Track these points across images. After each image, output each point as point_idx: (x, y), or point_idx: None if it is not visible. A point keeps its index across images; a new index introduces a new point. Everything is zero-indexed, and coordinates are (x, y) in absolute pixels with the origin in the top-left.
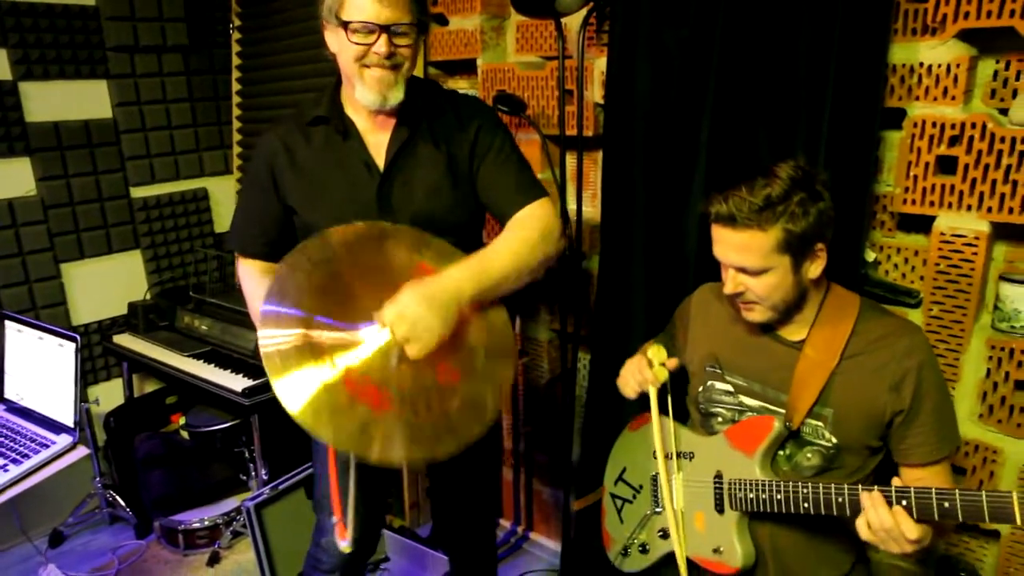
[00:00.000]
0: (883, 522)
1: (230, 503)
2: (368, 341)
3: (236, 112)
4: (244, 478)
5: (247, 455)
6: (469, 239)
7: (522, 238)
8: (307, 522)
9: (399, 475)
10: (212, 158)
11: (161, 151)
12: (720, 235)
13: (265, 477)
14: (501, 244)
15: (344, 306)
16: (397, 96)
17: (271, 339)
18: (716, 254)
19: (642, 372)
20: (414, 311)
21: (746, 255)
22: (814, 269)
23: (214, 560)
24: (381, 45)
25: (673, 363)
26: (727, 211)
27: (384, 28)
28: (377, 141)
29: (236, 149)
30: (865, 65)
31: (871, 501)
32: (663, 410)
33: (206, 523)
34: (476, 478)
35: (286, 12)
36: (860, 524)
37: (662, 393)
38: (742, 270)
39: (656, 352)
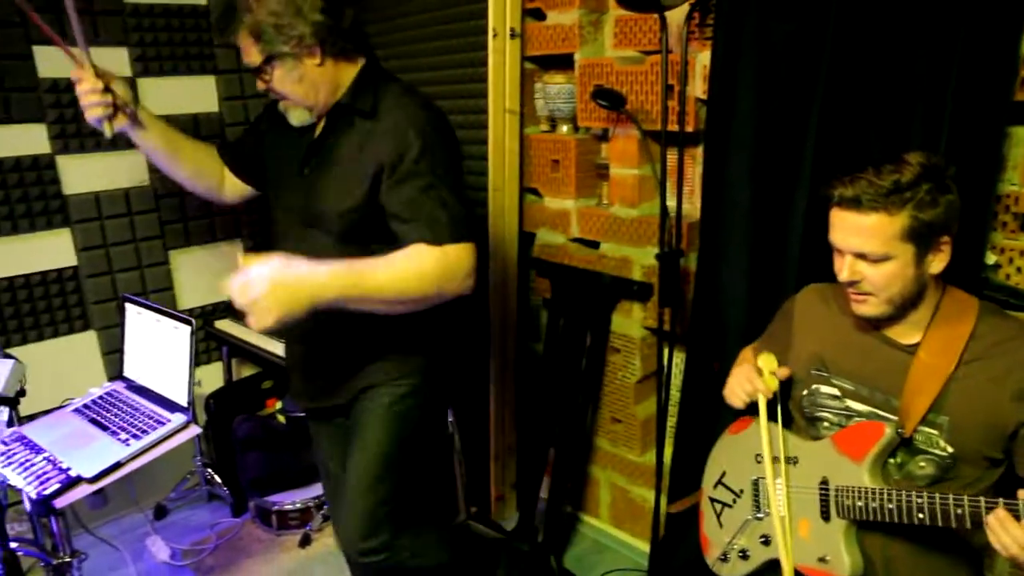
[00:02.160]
0: (1018, 540)
1: (321, 487)
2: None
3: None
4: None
5: None
6: (384, 242)
7: (416, 269)
8: None
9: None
10: None
11: None
12: (841, 219)
13: None
14: (393, 265)
15: None
16: (298, 117)
17: None
18: (833, 240)
19: (752, 382)
20: (260, 289)
21: (868, 240)
22: (937, 264)
23: (305, 542)
24: (259, 83)
25: (784, 372)
26: (852, 193)
27: (251, 71)
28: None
29: None
30: (993, 56)
31: (998, 520)
32: (772, 418)
33: (298, 505)
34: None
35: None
36: (995, 543)
37: (771, 402)
38: (861, 256)
39: (766, 361)
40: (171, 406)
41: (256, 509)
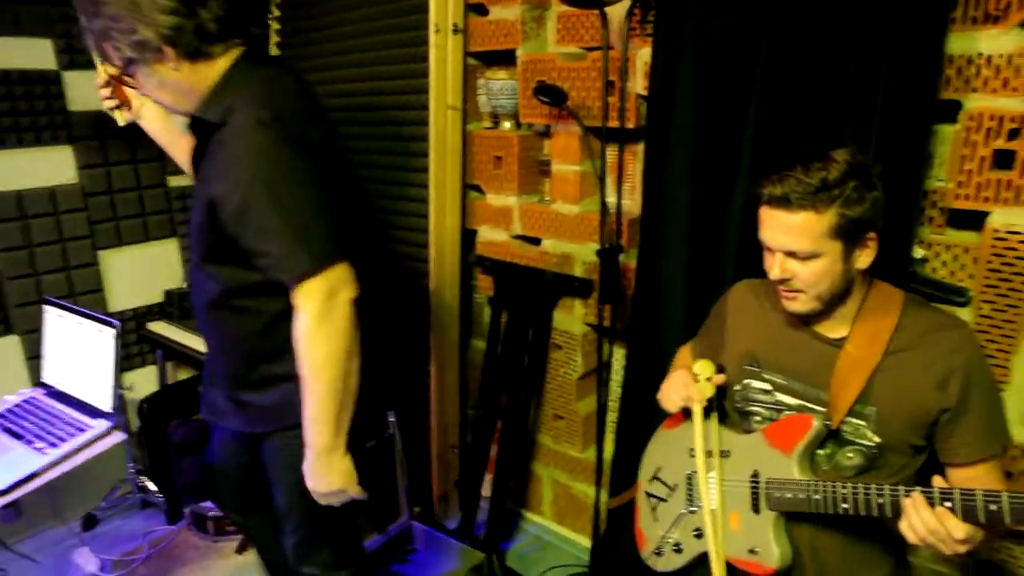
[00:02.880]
0: (927, 523)
1: None
2: None
3: None
4: None
5: None
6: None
7: (312, 367)
8: None
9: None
10: None
11: None
12: (770, 217)
13: None
14: (307, 388)
15: None
16: (122, 118)
17: None
18: (764, 238)
19: (687, 388)
20: (316, 488)
21: (798, 238)
22: (864, 259)
23: (243, 547)
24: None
25: (720, 379)
26: (781, 192)
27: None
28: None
29: None
30: (921, 56)
31: (912, 503)
32: (707, 416)
33: None
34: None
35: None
36: (904, 527)
37: (708, 407)
38: (791, 255)
39: (703, 367)
40: (93, 412)
41: (192, 516)
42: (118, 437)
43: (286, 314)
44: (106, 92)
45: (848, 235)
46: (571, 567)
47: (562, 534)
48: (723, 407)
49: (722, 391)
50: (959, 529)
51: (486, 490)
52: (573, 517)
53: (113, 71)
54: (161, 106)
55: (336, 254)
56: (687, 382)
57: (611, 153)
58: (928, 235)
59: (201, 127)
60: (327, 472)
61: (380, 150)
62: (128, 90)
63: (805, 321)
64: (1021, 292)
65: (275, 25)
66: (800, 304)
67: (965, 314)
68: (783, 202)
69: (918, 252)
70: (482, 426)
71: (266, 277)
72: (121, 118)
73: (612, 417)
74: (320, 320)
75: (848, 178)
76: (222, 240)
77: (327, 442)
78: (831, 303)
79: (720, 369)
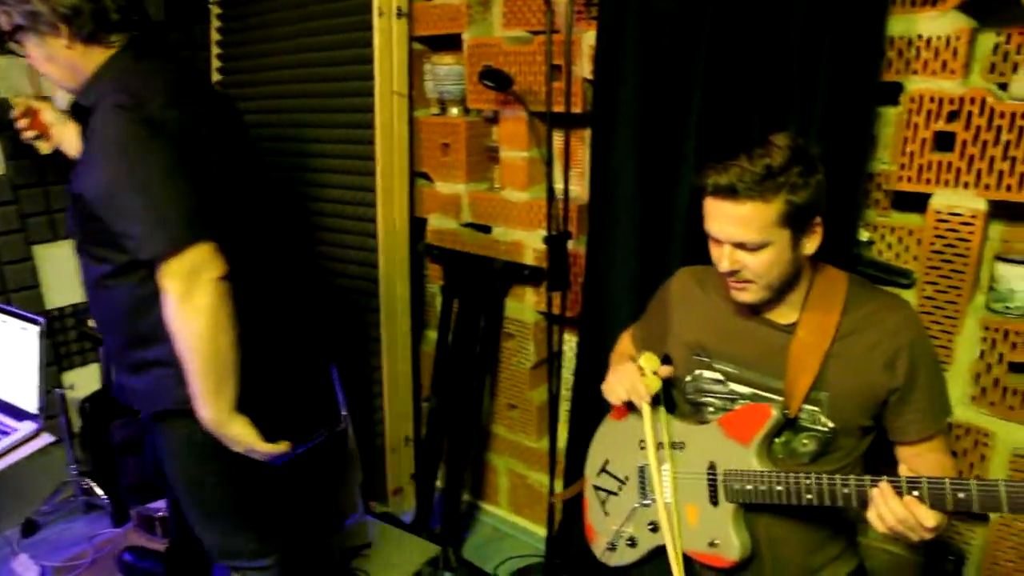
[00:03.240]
0: (895, 513)
1: None
2: None
3: (216, 77)
4: None
5: None
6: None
7: (183, 345)
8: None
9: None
10: None
11: None
12: (717, 209)
13: None
14: (184, 365)
15: None
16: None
17: None
18: (711, 230)
19: (632, 382)
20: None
21: (747, 229)
22: (811, 244)
23: None
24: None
25: (667, 371)
26: (727, 182)
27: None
28: None
29: None
30: (862, 37)
31: (881, 494)
32: (655, 406)
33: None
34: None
35: None
36: (872, 517)
37: (654, 402)
38: (740, 246)
39: (648, 360)
40: (19, 414)
41: (139, 517)
42: (46, 439)
43: (156, 297)
44: (24, 123)
45: (796, 222)
46: (528, 557)
47: (519, 524)
48: (671, 396)
49: (668, 381)
50: (929, 518)
51: (442, 482)
52: (530, 507)
53: (29, 104)
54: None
55: (197, 235)
56: (632, 376)
57: (560, 138)
58: (874, 218)
59: (80, 112)
60: (229, 441)
61: (324, 138)
62: (45, 119)
63: (754, 309)
64: (963, 273)
65: (216, 10)
66: (750, 294)
67: (909, 296)
68: (729, 192)
69: (864, 235)
70: (435, 418)
71: (134, 258)
72: (44, 148)
73: (568, 407)
74: (183, 299)
75: (792, 163)
76: (93, 222)
77: (214, 415)
78: (781, 291)
79: (666, 360)
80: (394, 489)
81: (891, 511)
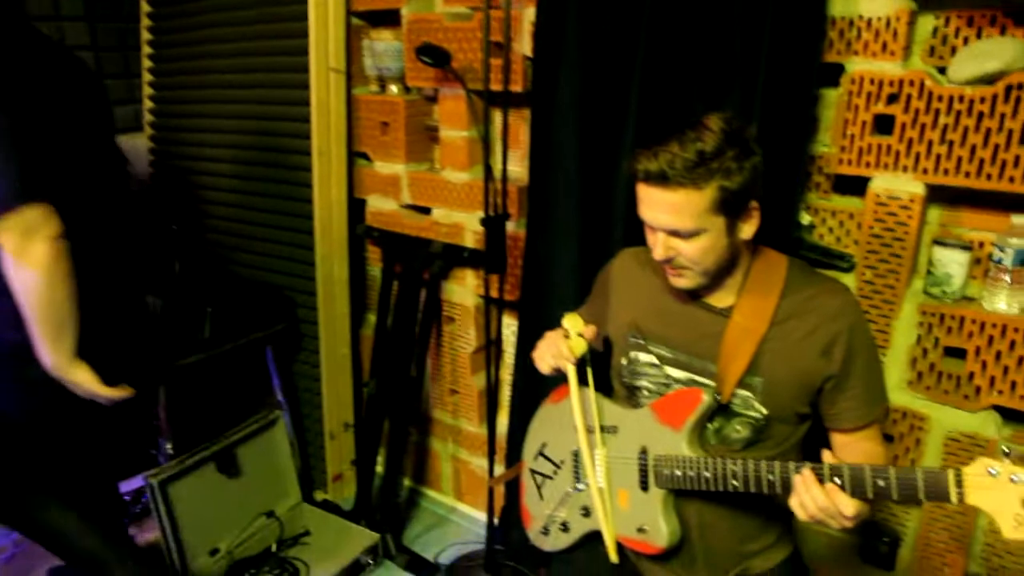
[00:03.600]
0: (816, 500)
1: (140, 480)
2: None
3: (147, 64)
4: (155, 452)
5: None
6: None
7: (20, 297)
8: (217, 498)
9: None
10: (121, 114)
11: None
12: (649, 196)
13: (171, 451)
14: (24, 316)
15: None
16: None
17: None
18: (644, 217)
19: (557, 345)
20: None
21: (680, 216)
22: (748, 229)
23: None
24: None
25: (591, 332)
26: (658, 168)
27: None
28: None
29: (148, 104)
30: (804, 17)
31: (803, 481)
32: (583, 382)
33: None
34: None
35: None
36: (794, 505)
37: (581, 365)
38: (674, 233)
39: (572, 322)
40: None
41: None
42: None
43: None
44: None
45: (730, 208)
46: (471, 543)
47: (463, 511)
48: (587, 372)
49: (605, 358)
50: (849, 506)
51: (383, 469)
52: (473, 493)
53: None
54: None
55: (31, 195)
56: (557, 339)
57: (501, 118)
58: (815, 201)
59: None
60: (72, 386)
61: (257, 115)
62: None
63: (691, 293)
64: (901, 258)
65: None
66: (687, 281)
67: (849, 280)
68: (660, 179)
69: (805, 218)
70: (374, 403)
71: None
72: None
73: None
74: (18, 255)
75: (726, 147)
76: None
77: (54, 362)
78: (718, 276)
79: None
80: (334, 476)
81: (812, 499)
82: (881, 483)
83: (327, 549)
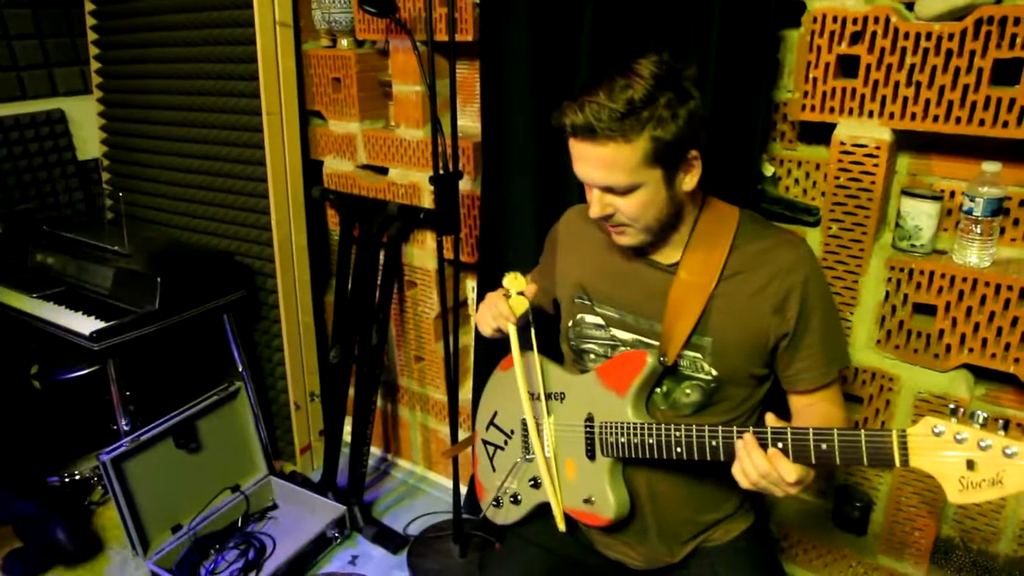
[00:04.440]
0: (758, 467)
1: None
2: None
3: (90, 21)
4: (115, 428)
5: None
6: None
7: None
8: (177, 474)
9: None
10: (66, 75)
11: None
12: (580, 151)
13: (127, 427)
14: None
15: None
16: None
17: None
18: (577, 173)
19: (497, 305)
20: None
21: (612, 172)
22: (689, 181)
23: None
24: None
25: (532, 290)
26: (584, 121)
27: None
28: None
29: (94, 64)
30: None
31: (744, 446)
32: (528, 345)
33: (77, 477)
34: None
35: None
36: (736, 472)
37: (525, 328)
38: (608, 190)
39: (512, 280)
40: None
41: None
42: None
43: None
44: None
45: (667, 159)
46: (440, 513)
47: (433, 480)
48: (530, 334)
49: (550, 322)
50: (791, 472)
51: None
52: (444, 462)
53: None
54: None
55: None
56: (497, 300)
57: (460, 72)
58: (779, 151)
59: None
60: None
61: (204, 74)
62: None
63: (637, 250)
64: (868, 210)
65: None
66: (629, 238)
67: (815, 234)
68: (588, 133)
69: (768, 169)
70: (338, 371)
71: None
72: None
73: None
74: None
75: (657, 93)
76: None
77: None
78: (662, 231)
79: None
80: (302, 447)
81: (754, 465)
82: (824, 447)
83: (294, 522)
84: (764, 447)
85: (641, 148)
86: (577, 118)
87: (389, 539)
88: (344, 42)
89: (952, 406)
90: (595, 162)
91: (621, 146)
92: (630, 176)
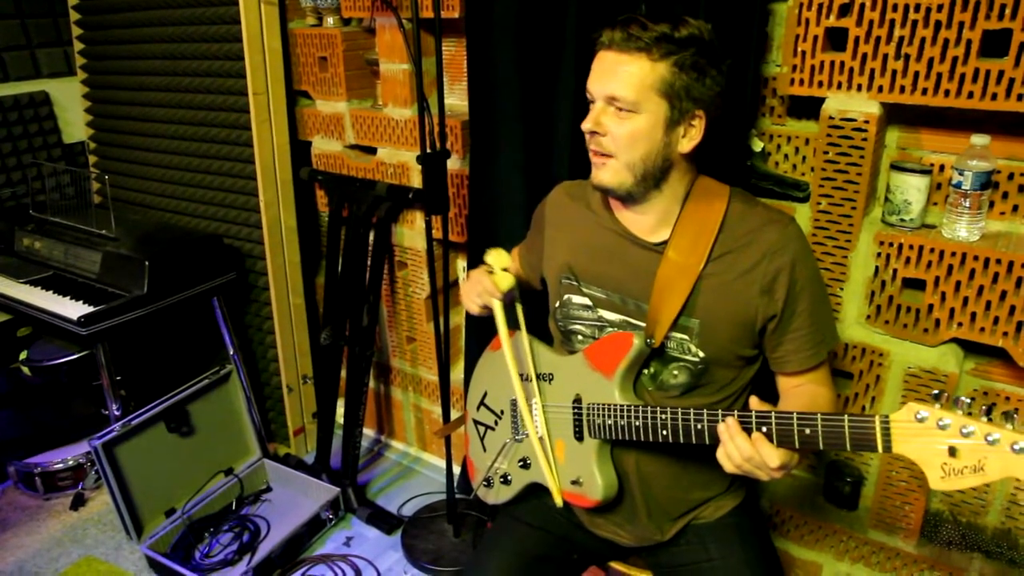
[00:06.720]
0: (742, 451)
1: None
2: None
3: (72, 1)
4: (107, 413)
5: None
6: None
7: None
8: (170, 458)
9: None
10: (49, 57)
11: None
12: (603, 61)
13: (117, 412)
14: None
15: None
16: None
17: None
18: (590, 87)
19: (481, 282)
20: None
21: (625, 83)
22: (686, 142)
23: (78, 502)
24: None
25: (516, 266)
26: (623, 33)
27: None
28: None
29: (77, 46)
30: None
31: (727, 430)
32: (514, 323)
33: (70, 463)
34: None
35: None
36: (720, 456)
37: (511, 305)
38: (613, 100)
39: (496, 257)
40: None
41: (18, 474)
42: None
43: None
44: None
45: (675, 99)
46: (435, 494)
47: (427, 460)
48: (516, 313)
49: (539, 303)
50: (774, 456)
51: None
52: (438, 443)
53: None
54: None
55: None
56: (481, 277)
57: (447, 49)
58: (769, 126)
59: None
60: None
61: (190, 54)
62: None
63: (628, 235)
64: (857, 184)
65: None
66: (609, 174)
67: (804, 209)
68: (620, 43)
69: (758, 144)
70: (330, 352)
71: None
72: None
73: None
74: None
75: (692, 44)
76: None
77: None
78: (644, 181)
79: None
80: (296, 430)
81: (738, 449)
82: (808, 431)
83: (288, 505)
84: (748, 431)
85: (660, 73)
86: (616, 33)
87: (383, 520)
88: (330, 20)
89: (936, 392)
90: (614, 70)
91: (644, 63)
92: (638, 93)
